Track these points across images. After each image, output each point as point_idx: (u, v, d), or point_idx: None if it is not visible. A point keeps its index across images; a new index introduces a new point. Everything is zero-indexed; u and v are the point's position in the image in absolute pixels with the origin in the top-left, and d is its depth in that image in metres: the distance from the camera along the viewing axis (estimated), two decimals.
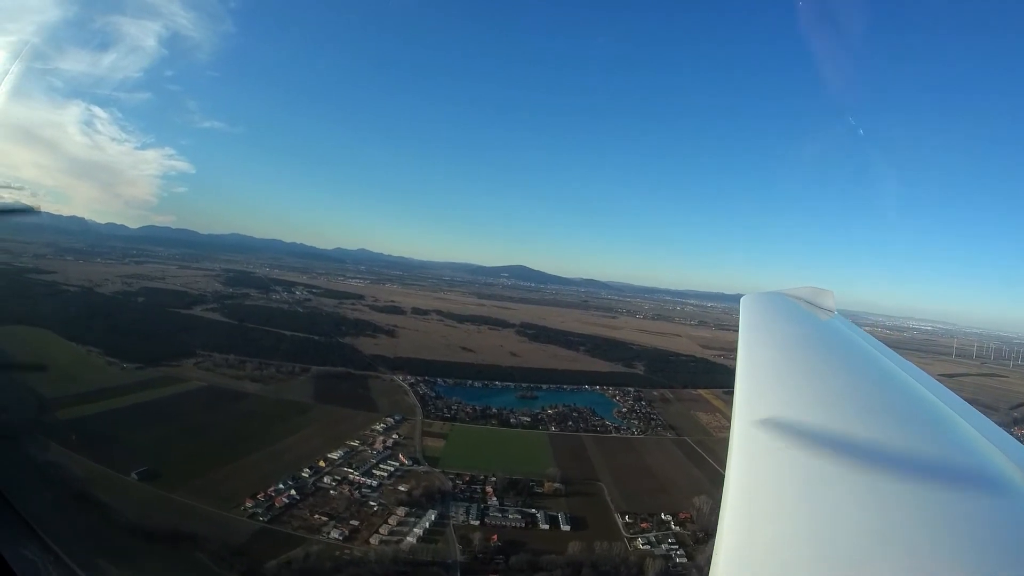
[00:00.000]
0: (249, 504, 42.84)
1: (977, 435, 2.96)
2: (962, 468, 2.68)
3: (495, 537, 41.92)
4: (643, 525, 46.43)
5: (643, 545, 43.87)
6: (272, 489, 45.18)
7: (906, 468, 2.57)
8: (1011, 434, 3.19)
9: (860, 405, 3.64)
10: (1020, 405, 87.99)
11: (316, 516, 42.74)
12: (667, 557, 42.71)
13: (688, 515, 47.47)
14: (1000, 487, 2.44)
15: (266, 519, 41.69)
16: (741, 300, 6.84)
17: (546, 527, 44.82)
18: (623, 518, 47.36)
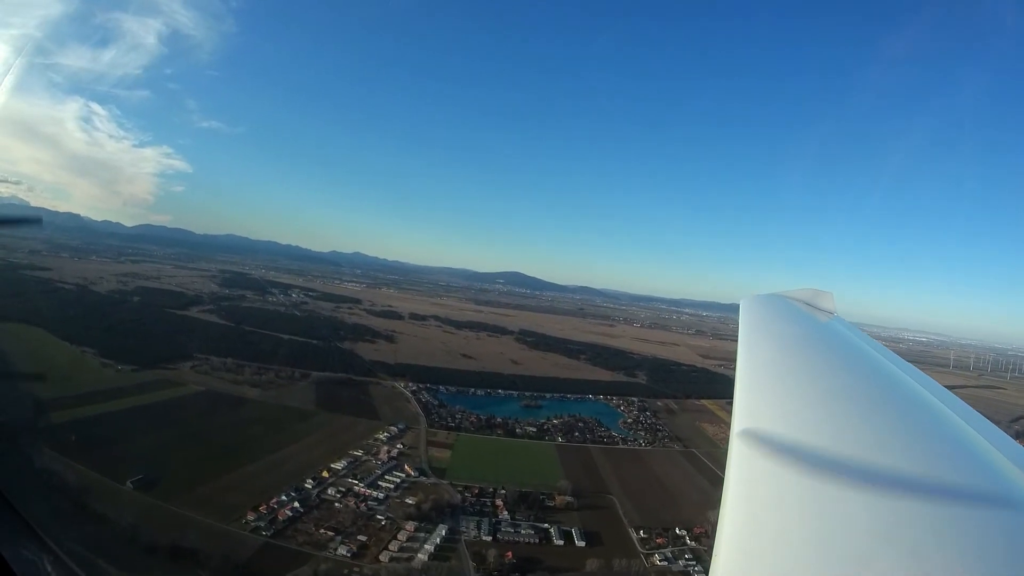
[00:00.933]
0: (251, 517, 41.00)
1: (977, 436, 2.93)
2: (963, 469, 2.64)
3: (509, 554, 40.40)
4: (658, 540, 45.26)
5: (660, 561, 42.70)
6: (275, 501, 43.36)
7: (906, 469, 2.54)
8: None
9: (860, 406, 3.59)
10: (1020, 418, 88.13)
11: (321, 531, 40.94)
12: (686, 574, 41.51)
13: (703, 529, 46.32)
14: (1001, 489, 2.41)
15: (269, 533, 39.86)
16: (740, 302, 6.61)
17: (560, 543, 43.39)
18: (637, 533, 46.14)
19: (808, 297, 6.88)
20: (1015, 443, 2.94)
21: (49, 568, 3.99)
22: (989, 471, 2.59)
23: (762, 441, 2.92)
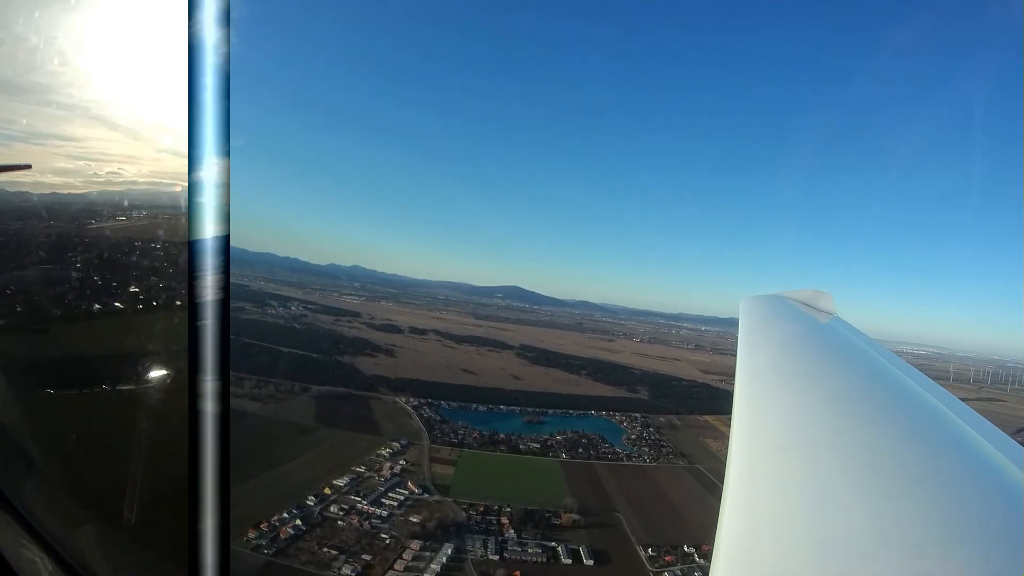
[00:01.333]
0: (252, 535, 40.19)
1: (975, 435, 2.91)
2: (961, 468, 2.64)
3: (517, 573, 39.70)
4: (667, 558, 44.61)
5: None
6: (276, 518, 42.52)
7: (906, 468, 2.55)
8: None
9: (860, 406, 3.58)
10: (1022, 430, 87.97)
11: (325, 549, 40.15)
12: None
13: (711, 547, 45.63)
14: (999, 487, 2.42)
15: (271, 552, 39.08)
16: (740, 302, 6.69)
17: (568, 561, 42.65)
18: (646, 551, 45.42)
19: (808, 298, 6.96)
20: (1015, 443, 2.90)
21: (50, 568, 3.87)
22: (990, 471, 2.57)
23: (762, 441, 2.97)
